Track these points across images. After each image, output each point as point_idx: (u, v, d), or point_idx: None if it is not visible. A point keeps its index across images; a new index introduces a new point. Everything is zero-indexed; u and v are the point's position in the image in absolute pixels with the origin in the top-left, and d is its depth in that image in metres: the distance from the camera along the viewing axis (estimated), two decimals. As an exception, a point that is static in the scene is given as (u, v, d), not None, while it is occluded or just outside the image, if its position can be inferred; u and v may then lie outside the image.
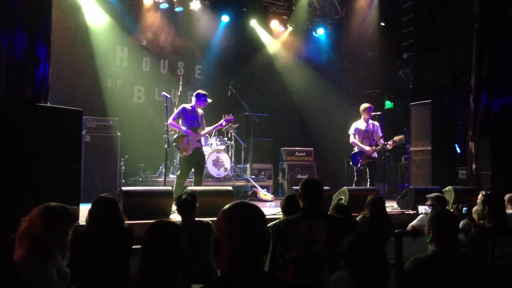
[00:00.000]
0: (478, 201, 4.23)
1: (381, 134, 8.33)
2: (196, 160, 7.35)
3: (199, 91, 7.60)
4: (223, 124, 7.73)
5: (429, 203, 5.46)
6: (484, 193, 5.14)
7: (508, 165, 8.12)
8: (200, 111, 7.48)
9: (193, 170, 7.56)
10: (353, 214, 4.47)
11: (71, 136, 5.29)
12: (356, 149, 8.34)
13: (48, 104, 5.65)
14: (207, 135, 8.81)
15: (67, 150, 5.20)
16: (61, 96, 8.93)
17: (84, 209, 4.67)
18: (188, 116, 7.35)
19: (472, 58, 9.02)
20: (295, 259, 2.96)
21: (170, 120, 7.29)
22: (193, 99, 7.50)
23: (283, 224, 3.08)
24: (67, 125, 5.26)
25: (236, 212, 1.70)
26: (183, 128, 7.28)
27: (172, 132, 8.59)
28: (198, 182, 7.33)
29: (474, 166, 8.70)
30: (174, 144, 7.29)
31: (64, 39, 9.41)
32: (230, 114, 7.88)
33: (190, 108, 7.42)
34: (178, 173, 7.47)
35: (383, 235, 4.93)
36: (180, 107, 7.41)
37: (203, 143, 9.52)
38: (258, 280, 1.61)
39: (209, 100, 7.71)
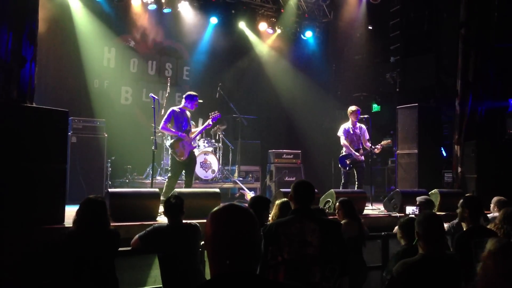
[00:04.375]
0: (459, 205, 4.23)
1: (367, 137, 8.38)
2: (187, 161, 7.24)
3: (191, 92, 7.45)
4: (211, 123, 7.46)
5: (418, 204, 5.52)
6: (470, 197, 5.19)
7: (493, 168, 8.22)
8: (188, 112, 7.37)
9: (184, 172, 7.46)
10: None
11: (57, 137, 5.22)
12: (344, 152, 8.37)
13: (34, 105, 5.59)
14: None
15: (53, 151, 5.13)
16: (47, 96, 8.85)
17: (70, 211, 4.63)
18: (179, 119, 7.18)
19: (458, 62, 9.13)
20: (286, 261, 2.95)
21: (162, 125, 7.12)
22: (183, 101, 7.35)
23: (275, 226, 3.08)
24: (53, 126, 5.19)
25: (223, 215, 1.69)
26: (178, 132, 7.10)
27: (159, 134, 8.55)
28: (188, 184, 7.24)
29: (459, 169, 8.79)
30: (171, 150, 7.14)
31: (50, 39, 9.32)
32: (216, 112, 7.63)
33: (179, 110, 7.26)
34: (169, 174, 7.32)
35: (359, 236, 4.97)
36: (169, 110, 7.21)
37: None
38: (246, 281, 1.61)
39: (200, 101, 7.62)
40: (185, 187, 7.10)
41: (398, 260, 3.48)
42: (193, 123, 8.70)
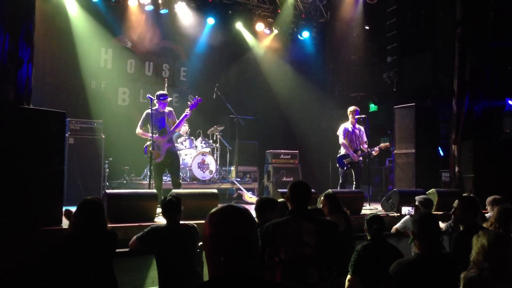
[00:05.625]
0: (454, 205, 4.21)
1: (365, 140, 8.38)
2: (168, 160, 7.11)
3: (158, 92, 7.36)
4: (188, 112, 7.15)
5: (413, 205, 5.51)
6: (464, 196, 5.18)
7: (490, 167, 8.23)
8: (167, 109, 7.22)
9: (168, 172, 7.33)
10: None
11: (54, 138, 5.22)
12: (342, 152, 8.38)
13: (31, 106, 5.58)
14: (181, 131, 8.77)
15: (50, 152, 5.13)
16: (45, 98, 8.84)
17: (68, 213, 4.63)
18: (154, 120, 7.03)
19: (455, 61, 9.14)
20: (283, 262, 2.96)
21: (137, 129, 7.07)
22: (156, 101, 7.20)
23: (272, 226, 3.08)
24: (50, 127, 5.19)
25: (220, 216, 1.70)
26: (149, 134, 6.92)
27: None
28: (176, 185, 7.06)
29: (457, 168, 8.80)
30: (147, 155, 7.00)
31: (47, 40, 9.31)
32: (197, 97, 7.39)
33: (154, 111, 7.08)
34: (153, 176, 7.18)
35: (347, 230, 4.93)
36: (144, 113, 7.09)
37: (188, 146, 9.53)
38: (243, 283, 1.61)
39: (169, 99, 7.53)
40: (174, 187, 6.92)
41: (357, 258, 3.50)
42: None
